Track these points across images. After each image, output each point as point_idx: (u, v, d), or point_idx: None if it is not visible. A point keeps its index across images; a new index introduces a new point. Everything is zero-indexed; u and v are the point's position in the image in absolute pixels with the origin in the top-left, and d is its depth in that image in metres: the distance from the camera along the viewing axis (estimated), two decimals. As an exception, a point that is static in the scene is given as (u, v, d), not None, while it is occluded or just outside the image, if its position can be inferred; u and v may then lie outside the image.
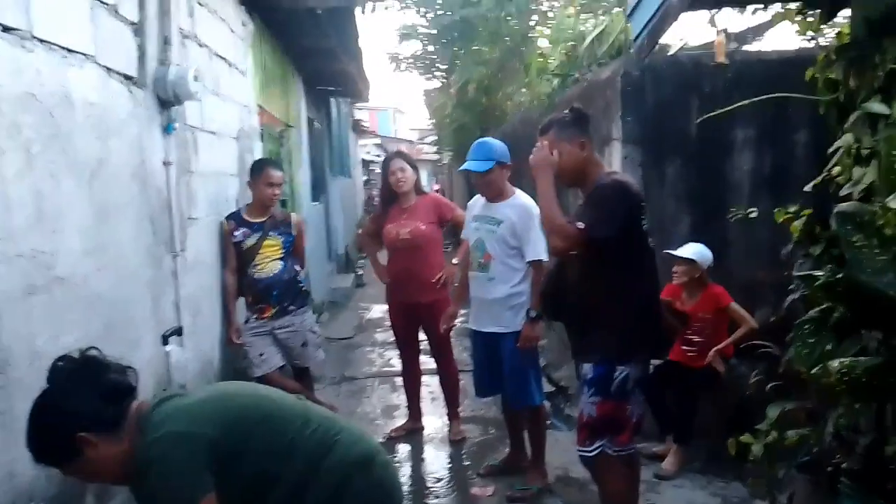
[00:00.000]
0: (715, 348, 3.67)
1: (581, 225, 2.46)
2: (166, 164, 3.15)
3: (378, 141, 27.65)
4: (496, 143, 3.55)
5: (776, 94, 3.01)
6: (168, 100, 3.11)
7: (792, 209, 2.79)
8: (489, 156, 3.46)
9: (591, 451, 2.63)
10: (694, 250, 3.71)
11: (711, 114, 3.16)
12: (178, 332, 3.15)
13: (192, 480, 1.56)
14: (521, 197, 3.52)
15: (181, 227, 3.28)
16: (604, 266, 2.55)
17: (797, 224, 2.73)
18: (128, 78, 2.84)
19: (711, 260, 3.74)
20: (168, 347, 3.00)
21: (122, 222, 2.71)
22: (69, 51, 2.35)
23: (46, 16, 2.19)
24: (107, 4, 2.65)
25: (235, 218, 3.97)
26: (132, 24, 2.90)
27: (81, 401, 1.58)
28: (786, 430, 2.57)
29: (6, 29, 2.00)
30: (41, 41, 2.17)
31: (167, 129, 3.16)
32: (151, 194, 3.01)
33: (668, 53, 4.50)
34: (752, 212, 3.00)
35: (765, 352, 3.09)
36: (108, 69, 2.65)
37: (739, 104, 3.00)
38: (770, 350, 3.01)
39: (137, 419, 1.65)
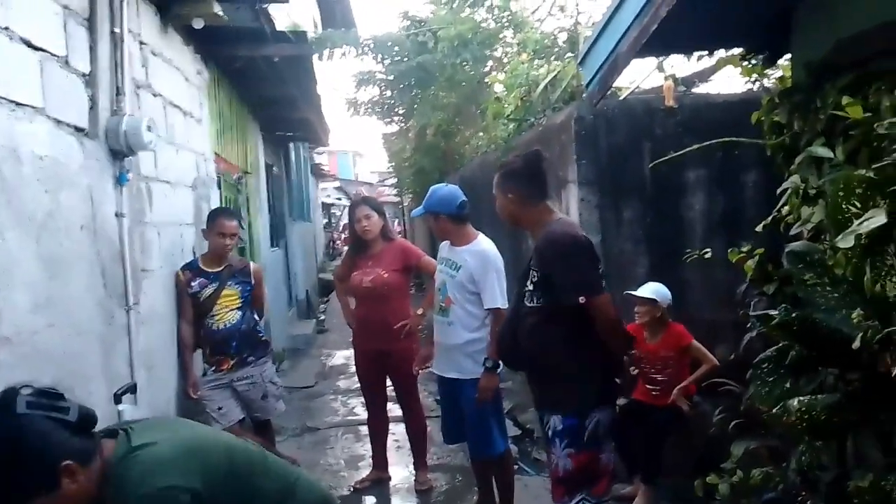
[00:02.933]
0: (678, 386, 3.69)
1: (582, 300, 2.43)
2: (119, 215, 3.07)
3: (338, 184, 27.67)
4: (438, 193, 3.52)
5: (725, 139, 3.11)
6: (121, 150, 3.05)
7: (745, 249, 2.86)
8: (424, 204, 3.54)
9: None
10: (653, 289, 3.76)
11: (663, 159, 3.24)
12: (132, 389, 3.03)
13: None
14: (482, 242, 3.50)
15: (134, 279, 3.19)
16: (561, 314, 2.50)
17: (750, 263, 2.80)
18: (79, 129, 2.78)
19: (671, 299, 3.80)
20: (121, 406, 2.87)
21: (72, 276, 2.62)
22: (18, 104, 2.29)
23: (-6, 70, 2.15)
24: (57, 57, 2.61)
25: (192, 268, 3.88)
26: (83, 75, 2.86)
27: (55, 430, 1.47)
28: (750, 468, 2.59)
29: (-49, 84, 1.96)
30: (-12, 95, 2.13)
31: (120, 179, 3.09)
32: (103, 247, 2.93)
33: (620, 98, 4.63)
34: (706, 252, 3.06)
35: (727, 389, 3.12)
36: (59, 121, 2.59)
37: (689, 149, 3.09)
38: (732, 387, 3.04)
39: (102, 464, 1.54)
